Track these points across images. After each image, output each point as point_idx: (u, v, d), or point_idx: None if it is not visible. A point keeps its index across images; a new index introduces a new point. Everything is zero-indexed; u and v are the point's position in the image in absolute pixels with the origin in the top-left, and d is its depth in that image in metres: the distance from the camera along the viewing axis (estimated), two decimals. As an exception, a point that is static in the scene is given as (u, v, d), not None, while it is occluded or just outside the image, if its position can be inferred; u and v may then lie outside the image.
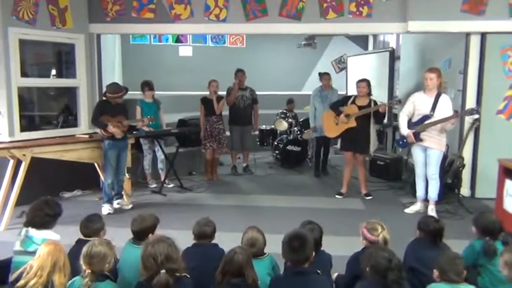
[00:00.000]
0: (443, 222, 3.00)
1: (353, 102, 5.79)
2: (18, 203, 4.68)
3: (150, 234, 2.90)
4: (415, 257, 2.84)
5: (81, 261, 2.42)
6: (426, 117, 4.98)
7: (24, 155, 4.81)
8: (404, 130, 5.15)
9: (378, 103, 5.77)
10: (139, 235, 2.91)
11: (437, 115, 4.90)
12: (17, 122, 5.29)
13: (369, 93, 5.76)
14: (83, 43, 5.98)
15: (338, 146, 8.61)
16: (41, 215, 2.95)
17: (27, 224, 2.96)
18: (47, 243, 2.51)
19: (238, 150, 7.34)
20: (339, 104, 5.94)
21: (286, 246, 2.44)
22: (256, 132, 8.05)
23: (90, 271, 2.40)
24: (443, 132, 4.97)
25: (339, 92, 7.34)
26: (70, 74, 6.10)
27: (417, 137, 5.04)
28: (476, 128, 5.73)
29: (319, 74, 7.33)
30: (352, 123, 5.69)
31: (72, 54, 6.00)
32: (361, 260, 2.43)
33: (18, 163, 4.87)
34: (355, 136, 5.71)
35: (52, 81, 6.09)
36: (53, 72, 6.18)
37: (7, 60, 5.16)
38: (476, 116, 4.79)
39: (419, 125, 5.02)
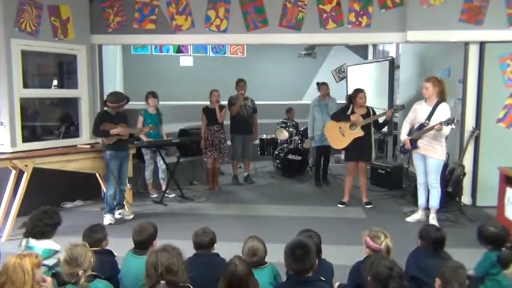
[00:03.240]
0: (445, 231, 3.00)
1: (352, 112, 5.81)
2: (20, 213, 4.67)
3: (155, 242, 2.93)
4: (417, 266, 2.84)
5: (66, 268, 2.40)
6: (422, 125, 5.02)
7: (26, 165, 4.82)
8: (402, 136, 5.24)
9: (376, 112, 5.80)
10: (141, 245, 2.93)
11: (433, 124, 4.91)
12: (19, 132, 5.31)
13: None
14: (84, 54, 6.03)
15: (341, 155, 8.68)
16: (40, 225, 2.95)
17: (27, 235, 2.97)
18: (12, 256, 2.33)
19: (239, 159, 7.36)
20: (341, 114, 5.92)
21: (289, 256, 2.41)
22: (257, 142, 8.06)
23: (82, 271, 2.40)
24: (439, 140, 4.97)
25: (339, 101, 7.37)
26: (72, 85, 6.13)
27: (414, 144, 5.07)
28: (476, 136, 5.75)
29: (317, 84, 7.35)
30: (360, 133, 5.71)
31: (73, 65, 6.03)
32: (362, 269, 2.43)
33: (20, 174, 4.89)
34: (360, 145, 5.73)
35: (54, 91, 6.12)
36: (55, 83, 6.21)
37: (9, 72, 5.19)
38: (453, 126, 4.83)
39: (416, 132, 5.06)
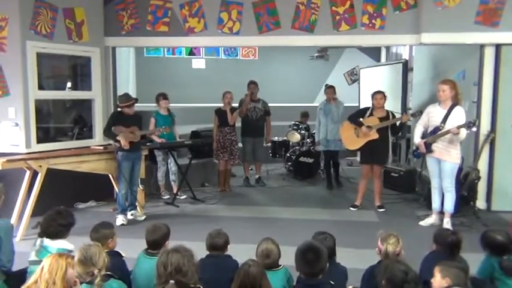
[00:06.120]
0: (461, 235, 2.96)
1: (371, 114, 5.76)
2: (34, 213, 4.73)
3: (167, 242, 2.95)
4: (432, 270, 2.79)
5: (81, 268, 2.41)
6: (437, 129, 4.95)
7: (40, 166, 4.88)
8: (416, 140, 5.17)
9: (396, 115, 5.74)
10: (154, 244, 2.95)
11: (448, 127, 4.85)
12: (34, 133, 5.38)
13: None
14: (98, 56, 6.09)
15: (351, 158, 8.63)
16: (55, 225, 2.98)
17: (42, 234, 3.00)
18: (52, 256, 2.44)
19: (250, 161, 7.35)
20: (357, 116, 5.87)
21: (300, 259, 2.43)
22: (269, 144, 8.05)
23: (98, 270, 2.42)
24: (455, 144, 4.90)
25: (351, 104, 7.32)
26: (85, 87, 6.20)
27: (428, 147, 5.01)
28: (491, 140, 5.66)
29: (325, 86, 7.29)
30: (375, 135, 5.65)
31: (87, 67, 6.10)
32: (377, 273, 2.41)
33: (34, 174, 4.94)
34: (375, 148, 5.67)
35: (68, 93, 6.19)
36: (69, 84, 6.28)
37: (25, 73, 5.27)
38: (474, 129, 4.73)
39: (431, 136, 5.00)
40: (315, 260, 2.40)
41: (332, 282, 2.49)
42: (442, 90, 4.93)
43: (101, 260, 2.45)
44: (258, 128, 7.19)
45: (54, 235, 2.98)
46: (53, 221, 2.99)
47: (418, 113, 5.68)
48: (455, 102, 4.97)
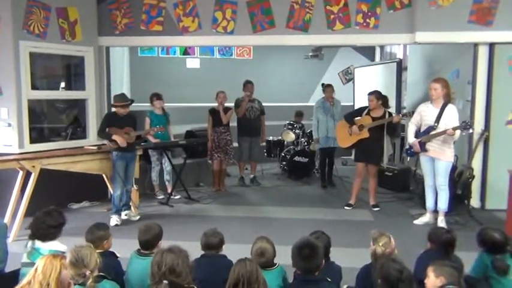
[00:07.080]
0: (456, 233, 2.96)
1: (368, 113, 5.77)
2: (27, 214, 4.68)
3: (160, 242, 2.94)
4: (426, 269, 2.79)
5: (73, 270, 2.39)
6: (431, 128, 4.96)
7: (33, 166, 4.84)
8: (410, 139, 5.17)
9: (393, 115, 5.75)
10: (146, 244, 2.93)
11: (442, 126, 4.87)
12: (27, 133, 5.34)
13: (383, 104, 5.75)
14: (92, 56, 6.05)
15: (346, 157, 8.65)
16: (44, 228, 2.94)
17: (32, 237, 2.96)
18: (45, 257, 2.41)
19: (246, 161, 7.34)
20: (353, 115, 5.90)
21: (296, 255, 2.44)
22: (264, 144, 8.04)
23: (89, 272, 2.40)
24: (449, 143, 4.93)
25: (345, 104, 7.33)
26: (79, 86, 6.16)
27: (422, 146, 5.02)
28: (485, 138, 5.69)
29: (322, 85, 7.30)
30: (365, 134, 5.67)
31: (81, 67, 6.06)
32: (372, 272, 2.41)
33: (27, 175, 4.90)
34: (368, 147, 5.68)
35: (61, 93, 6.15)
36: (62, 84, 6.24)
37: (18, 73, 5.22)
38: (470, 131, 4.74)
39: (425, 135, 5.01)
40: (311, 255, 2.41)
41: (329, 279, 2.49)
42: (434, 89, 4.95)
43: (92, 261, 2.43)
44: (255, 127, 7.18)
45: (44, 237, 2.94)
46: (42, 224, 2.95)
47: (410, 114, 5.69)
48: (447, 100, 4.99)
